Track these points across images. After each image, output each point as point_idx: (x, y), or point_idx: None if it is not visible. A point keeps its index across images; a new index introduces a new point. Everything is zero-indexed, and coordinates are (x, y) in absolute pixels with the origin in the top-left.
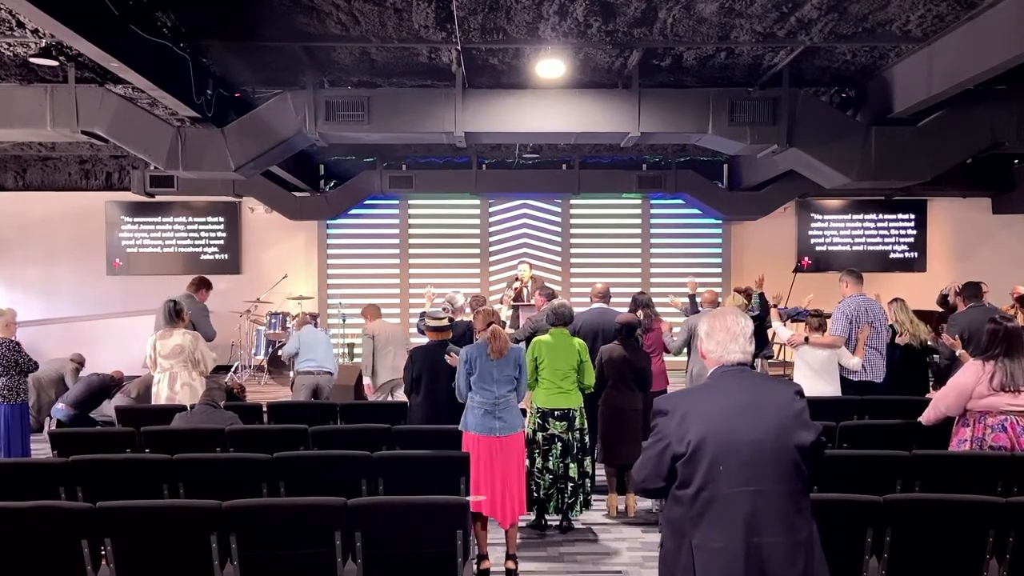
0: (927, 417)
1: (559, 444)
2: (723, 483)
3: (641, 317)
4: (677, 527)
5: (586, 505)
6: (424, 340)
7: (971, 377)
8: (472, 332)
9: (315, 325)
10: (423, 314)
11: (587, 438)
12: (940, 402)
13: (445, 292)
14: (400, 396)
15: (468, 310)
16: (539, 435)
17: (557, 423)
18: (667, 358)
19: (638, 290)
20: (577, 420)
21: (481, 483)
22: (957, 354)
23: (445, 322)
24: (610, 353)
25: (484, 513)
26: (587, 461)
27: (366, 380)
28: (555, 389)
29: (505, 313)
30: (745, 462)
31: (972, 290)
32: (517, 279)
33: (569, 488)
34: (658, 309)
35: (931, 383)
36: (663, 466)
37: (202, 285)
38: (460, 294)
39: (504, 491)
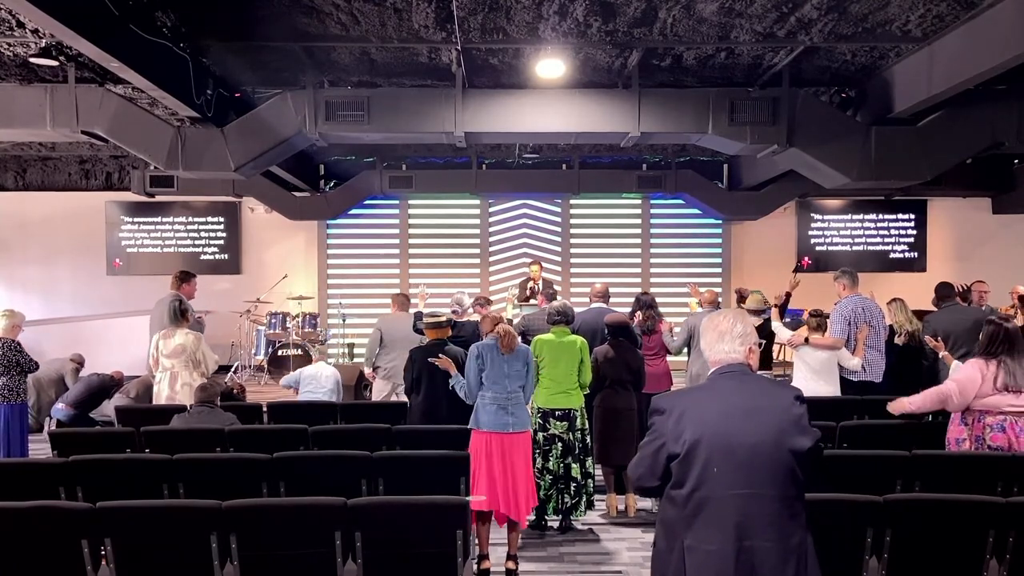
0: (918, 404)
1: (559, 444)
2: (716, 485)
3: (641, 318)
4: (670, 527)
5: (589, 506)
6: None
7: (978, 375)
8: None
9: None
10: (418, 314)
11: (588, 438)
12: (940, 397)
13: (447, 292)
14: (402, 396)
15: (472, 311)
16: (540, 435)
17: (558, 423)
18: (671, 358)
19: (639, 290)
20: (578, 420)
21: (492, 480)
22: (940, 355)
23: (443, 320)
24: (605, 354)
25: (494, 510)
26: (588, 461)
27: (366, 369)
28: (556, 389)
29: (512, 311)
30: (739, 465)
31: (945, 291)
32: (530, 279)
33: (572, 488)
34: (661, 310)
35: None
36: (658, 465)
37: (184, 280)
38: (466, 295)
39: (515, 488)
